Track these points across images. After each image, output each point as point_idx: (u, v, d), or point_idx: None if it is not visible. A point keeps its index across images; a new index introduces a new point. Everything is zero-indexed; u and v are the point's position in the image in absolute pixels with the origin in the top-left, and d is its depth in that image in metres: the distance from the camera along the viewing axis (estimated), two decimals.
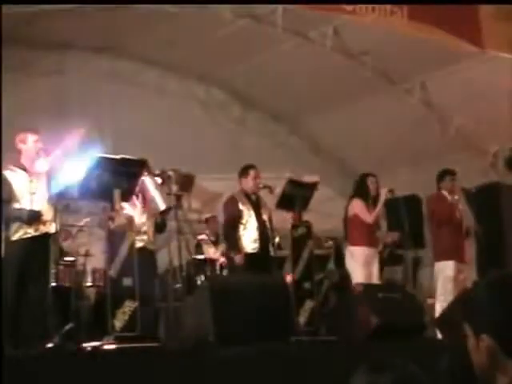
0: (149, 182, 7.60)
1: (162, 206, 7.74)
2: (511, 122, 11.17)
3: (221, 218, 9.37)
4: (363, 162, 12.25)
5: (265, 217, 8.52)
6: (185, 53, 11.75)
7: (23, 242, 6.77)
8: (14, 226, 6.81)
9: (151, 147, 9.78)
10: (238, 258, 8.26)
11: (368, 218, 8.87)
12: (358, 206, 8.97)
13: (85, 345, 6.47)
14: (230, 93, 13.23)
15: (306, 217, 8.95)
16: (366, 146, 12.89)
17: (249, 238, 8.36)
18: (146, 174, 7.62)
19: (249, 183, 8.51)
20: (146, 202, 7.74)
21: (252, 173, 8.52)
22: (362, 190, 9.07)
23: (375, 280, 8.86)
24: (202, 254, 10.32)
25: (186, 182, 10.68)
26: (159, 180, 8.17)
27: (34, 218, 6.82)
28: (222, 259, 9.59)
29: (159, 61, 12.29)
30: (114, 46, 11.74)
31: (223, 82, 13.00)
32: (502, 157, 12.20)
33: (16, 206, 6.84)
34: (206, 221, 11.02)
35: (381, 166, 10.89)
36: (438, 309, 8.60)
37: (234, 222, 8.41)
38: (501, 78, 10.70)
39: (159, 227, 7.94)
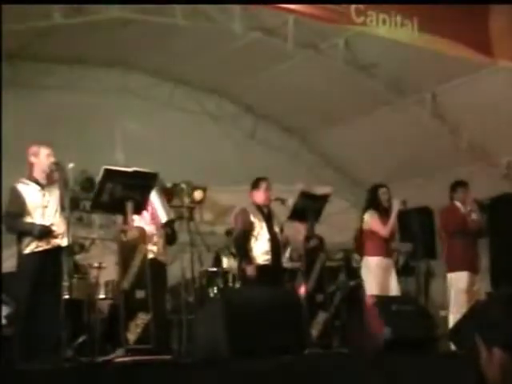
0: (153, 194, 7.61)
1: (164, 218, 7.76)
2: None
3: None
4: (375, 173, 12.24)
5: (276, 229, 8.54)
6: (196, 66, 11.79)
7: (35, 255, 6.80)
8: (26, 239, 6.84)
9: (163, 160, 9.81)
10: (250, 270, 8.26)
11: (383, 231, 8.86)
12: (372, 220, 8.95)
13: (98, 358, 6.49)
14: (241, 106, 13.26)
15: (318, 229, 8.96)
16: (378, 157, 12.89)
17: (260, 249, 8.36)
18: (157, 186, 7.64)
19: (260, 195, 8.53)
20: (154, 213, 7.76)
21: (263, 185, 8.54)
22: (374, 201, 9.05)
23: (393, 291, 8.82)
24: (221, 265, 10.34)
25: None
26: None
27: (45, 233, 6.85)
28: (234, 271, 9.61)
29: (171, 75, 12.33)
30: (125, 60, 11.79)
31: (235, 95, 13.04)
32: None
33: (28, 219, 6.88)
34: (228, 233, 11.05)
35: (393, 178, 10.88)
36: (451, 321, 8.57)
37: (245, 233, 8.43)
38: (511, 89, 10.69)
39: (169, 239, 7.95)
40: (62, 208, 6.96)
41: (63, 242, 6.91)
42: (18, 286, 6.88)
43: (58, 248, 6.90)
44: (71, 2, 9.18)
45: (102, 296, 9.26)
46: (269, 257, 8.34)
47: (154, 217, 7.77)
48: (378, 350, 7.11)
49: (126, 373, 5.67)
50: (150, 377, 5.55)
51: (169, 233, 7.92)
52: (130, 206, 6.97)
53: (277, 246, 8.45)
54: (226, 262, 10.58)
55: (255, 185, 8.60)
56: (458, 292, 8.79)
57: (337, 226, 11.44)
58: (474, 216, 9.01)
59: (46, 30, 9.80)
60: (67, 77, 11.36)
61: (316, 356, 7.31)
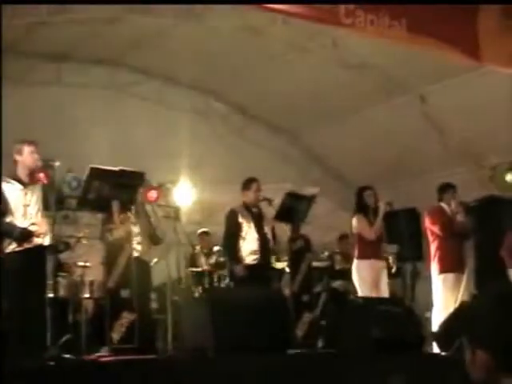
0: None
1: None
2: (510, 135, 11.17)
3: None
4: (363, 174, 12.25)
5: (266, 229, 8.52)
6: (185, 65, 11.76)
7: (16, 254, 6.70)
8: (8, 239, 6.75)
9: (151, 159, 9.79)
10: (239, 269, 8.26)
11: (369, 234, 8.88)
12: (359, 224, 8.98)
13: (82, 357, 6.46)
14: (230, 105, 13.24)
15: (305, 229, 8.95)
16: (366, 158, 12.89)
17: (248, 249, 8.36)
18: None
19: (250, 196, 8.52)
20: (139, 213, 7.72)
21: (254, 186, 8.54)
22: (360, 204, 9.07)
23: (383, 293, 8.83)
24: (195, 265, 10.34)
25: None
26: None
27: (25, 236, 6.72)
28: (220, 272, 9.61)
29: (159, 73, 12.31)
30: (113, 58, 11.75)
31: (224, 94, 13.02)
32: (500, 170, 12.21)
33: (9, 218, 6.75)
34: (200, 236, 11.03)
35: (380, 179, 10.89)
36: (435, 322, 8.58)
37: (233, 234, 8.43)
38: (499, 91, 10.71)
39: (155, 239, 7.92)
40: (46, 207, 6.88)
41: (45, 241, 6.83)
42: (1, 284, 6.83)
43: (40, 247, 6.81)
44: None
45: (86, 295, 9.22)
46: (256, 257, 8.34)
47: (138, 216, 7.75)
48: (365, 351, 7.11)
49: (111, 372, 5.65)
50: (134, 376, 5.53)
51: (152, 233, 7.89)
52: (116, 205, 6.95)
53: (265, 246, 8.45)
54: (201, 262, 10.58)
55: (246, 185, 8.59)
56: (443, 293, 8.80)
57: (324, 226, 11.44)
58: (459, 218, 9.02)
59: (33, 27, 9.76)
60: (54, 73, 11.31)
61: (301, 356, 7.30)
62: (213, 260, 10.24)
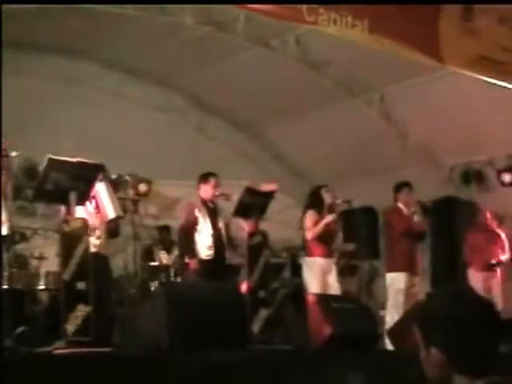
0: (102, 188, 7.52)
1: (112, 215, 7.67)
2: (468, 136, 11.30)
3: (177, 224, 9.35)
4: (322, 171, 12.31)
5: (221, 224, 8.50)
6: (146, 58, 11.70)
7: None
8: None
9: (109, 151, 9.71)
10: (192, 263, 8.24)
11: (307, 233, 8.85)
12: (309, 219, 8.94)
13: (37, 349, 6.40)
14: (190, 99, 13.20)
15: (264, 225, 8.95)
16: (326, 155, 12.94)
17: (203, 244, 8.34)
18: (101, 178, 7.55)
19: (208, 190, 8.49)
20: (99, 206, 7.67)
21: (212, 181, 8.51)
22: (316, 201, 9.03)
23: (333, 290, 8.85)
24: (154, 260, 10.30)
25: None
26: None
27: None
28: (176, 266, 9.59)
29: (119, 65, 12.22)
30: (73, 48, 11.63)
31: (184, 88, 12.98)
32: (458, 171, 12.34)
33: None
34: (158, 229, 11.00)
35: (339, 177, 10.94)
36: (389, 320, 8.64)
37: (189, 227, 8.39)
38: (458, 93, 10.82)
39: (112, 232, 7.87)
40: (4, 196, 6.82)
41: (2, 231, 6.75)
42: None
43: None
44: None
45: (42, 286, 9.14)
46: (211, 252, 8.31)
47: (98, 210, 7.70)
48: (320, 348, 7.15)
49: (65, 365, 5.62)
50: (87, 369, 5.50)
51: (111, 226, 7.84)
52: (73, 196, 6.89)
53: (220, 242, 8.43)
54: (159, 256, 10.56)
55: (204, 179, 8.55)
56: (395, 292, 8.85)
57: (282, 222, 11.46)
58: (416, 218, 9.07)
59: None
60: (14, 62, 11.16)
61: (257, 352, 7.32)
62: (174, 255, 10.21)
